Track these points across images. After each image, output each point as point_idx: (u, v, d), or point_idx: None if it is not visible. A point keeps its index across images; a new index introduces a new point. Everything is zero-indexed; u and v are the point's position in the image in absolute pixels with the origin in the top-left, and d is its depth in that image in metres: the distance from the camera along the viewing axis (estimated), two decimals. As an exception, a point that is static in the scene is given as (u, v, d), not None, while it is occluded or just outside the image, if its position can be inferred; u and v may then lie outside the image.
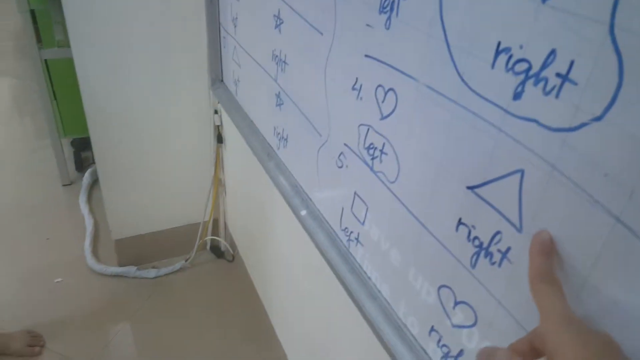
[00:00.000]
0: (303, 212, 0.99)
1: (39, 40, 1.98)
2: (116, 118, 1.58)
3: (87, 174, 2.29)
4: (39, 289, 1.79)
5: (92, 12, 1.39)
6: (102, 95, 1.53)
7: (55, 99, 2.14)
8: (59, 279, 1.84)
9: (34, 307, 1.72)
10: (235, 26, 1.25)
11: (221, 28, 1.38)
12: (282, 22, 0.95)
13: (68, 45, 1.95)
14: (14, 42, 3.77)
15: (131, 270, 1.86)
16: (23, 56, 3.51)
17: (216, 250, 1.99)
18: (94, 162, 2.35)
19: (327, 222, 0.92)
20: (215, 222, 1.95)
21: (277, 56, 1.02)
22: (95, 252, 1.95)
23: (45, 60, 2.02)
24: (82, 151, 2.39)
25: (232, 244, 1.93)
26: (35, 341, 1.59)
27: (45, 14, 1.98)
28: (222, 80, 1.50)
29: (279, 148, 1.12)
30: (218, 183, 1.82)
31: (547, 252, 0.43)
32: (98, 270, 1.86)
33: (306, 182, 1.00)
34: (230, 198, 1.84)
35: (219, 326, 1.71)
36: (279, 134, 1.10)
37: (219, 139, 1.70)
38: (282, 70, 1.01)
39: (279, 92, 1.05)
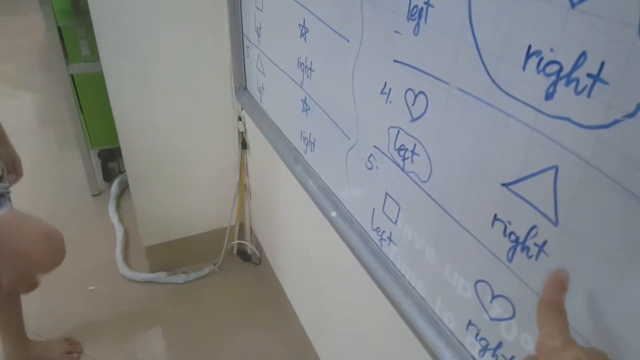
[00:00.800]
0: (333, 214, 1.02)
1: (65, 55, 2.04)
2: (145, 128, 1.63)
3: (114, 184, 2.35)
4: (74, 298, 1.84)
5: (120, 26, 1.44)
6: (131, 107, 1.58)
7: (82, 112, 2.21)
8: (93, 287, 1.90)
9: (70, 315, 1.78)
10: (259, 35, 1.28)
11: (244, 38, 1.42)
12: (308, 31, 0.98)
13: (94, 60, 2.03)
14: (38, 58, 3.87)
15: (162, 276, 1.90)
16: (48, 71, 3.60)
17: (243, 254, 2.03)
18: (120, 172, 2.42)
19: (358, 223, 0.95)
20: (241, 227, 1.99)
21: (302, 63, 1.05)
22: (126, 259, 2.00)
23: (72, 75, 2.08)
24: (109, 162, 2.46)
25: (259, 247, 1.97)
26: (73, 348, 1.64)
27: (71, 30, 2.04)
28: (245, 88, 1.53)
29: (306, 152, 1.15)
30: (243, 188, 1.86)
31: (561, 288, 0.45)
32: (130, 277, 1.91)
33: (335, 184, 1.03)
34: (255, 202, 1.88)
35: (249, 328, 1.75)
36: (305, 138, 1.13)
37: (243, 145, 1.73)
38: (308, 77, 1.04)
39: (305, 98, 1.08)
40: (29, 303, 1.27)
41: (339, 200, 1.02)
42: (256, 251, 1.98)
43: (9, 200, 1.36)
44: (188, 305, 1.84)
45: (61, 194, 2.38)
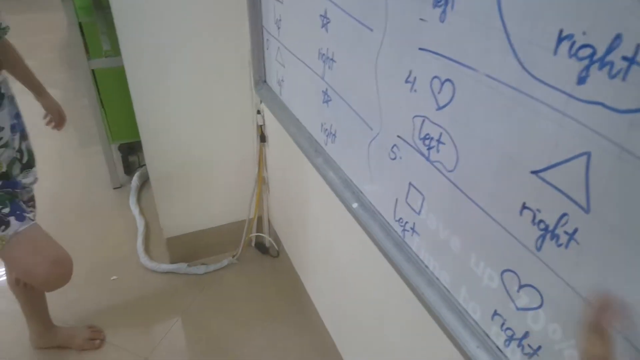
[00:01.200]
0: (355, 205, 1.02)
1: (86, 51, 2.06)
2: (165, 122, 1.65)
3: (135, 177, 2.38)
4: (97, 287, 1.88)
5: (141, 21, 1.45)
6: (151, 101, 1.59)
7: (103, 107, 2.23)
8: (115, 277, 1.93)
9: (94, 303, 1.81)
10: (278, 28, 1.28)
11: (264, 30, 1.42)
12: (329, 21, 0.98)
13: (115, 55, 2.05)
14: (59, 55, 3.93)
15: (182, 267, 1.92)
16: (68, 68, 3.65)
17: (261, 246, 2.04)
18: (140, 166, 2.45)
19: (380, 214, 0.94)
20: (260, 219, 2.00)
21: (323, 54, 1.05)
22: (147, 250, 2.02)
23: (93, 70, 2.10)
24: (130, 155, 2.48)
25: (277, 240, 1.98)
26: (95, 335, 1.69)
27: (92, 26, 2.07)
28: (265, 81, 1.54)
29: (327, 144, 1.15)
30: (262, 181, 1.87)
31: (610, 312, 0.41)
32: (151, 267, 1.94)
33: (357, 175, 1.03)
34: (273, 195, 1.88)
35: (267, 319, 1.76)
36: (326, 129, 1.13)
37: (262, 138, 1.74)
38: (329, 67, 1.04)
39: (326, 89, 1.07)
40: (55, 291, 1.30)
41: (361, 192, 1.02)
42: (274, 244, 1.99)
43: (34, 207, 1.39)
44: (207, 296, 1.85)
45: (83, 188, 2.42)
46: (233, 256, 1.97)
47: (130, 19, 1.44)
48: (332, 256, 1.43)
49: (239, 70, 1.62)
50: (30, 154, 1.35)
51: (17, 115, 1.30)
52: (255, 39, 1.46)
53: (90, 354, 1.65)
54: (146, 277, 1.92)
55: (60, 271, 1.26)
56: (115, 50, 2.02)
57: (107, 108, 2.25)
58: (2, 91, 1.20)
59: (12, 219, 1.16)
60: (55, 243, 1.26)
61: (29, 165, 1.34)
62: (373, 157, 0.93)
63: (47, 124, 1.53)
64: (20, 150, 1.30)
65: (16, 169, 1.27)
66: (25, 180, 1.31)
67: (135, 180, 2.37)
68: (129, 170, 2.47)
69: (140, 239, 2.05)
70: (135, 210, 2.22)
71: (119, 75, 1.88)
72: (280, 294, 1.85)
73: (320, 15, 1.01)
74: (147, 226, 2.14)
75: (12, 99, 1.27)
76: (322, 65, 1.07)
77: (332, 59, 1.02)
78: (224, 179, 1.85)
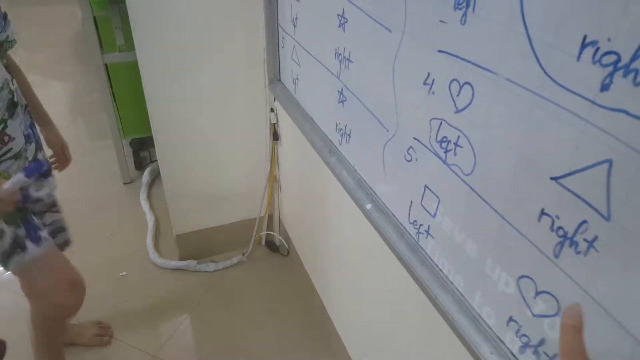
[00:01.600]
0: (368, 206, 1.01)
1: (100, 45, 2.07)
2: (177, 118, 1.65)
3: (146, 173, 2.39)
4: (106, 283, 1.88)
5: (156, 16, 1.45)
6: (164, 96, 1.60)
7: (115, 101, 2.24)
8: (124, 273, 1.94)
9: (102, 299, 1.81)
10: (295, 26, 1.28)
11: (280, 29, 1.42)
12: (347, 21, 0.97)
13: (128, 50, 2.06)
14: (70, 48, 3.95)
15: (191, 264, 1.93)
16: (79, 61, 3.67)
17: (271, 245, 2.04)
18: (151, 161, 2.46)
19: (394, 216, 0.94)
20: (270, 218, 2.00)
21: (340, 54, 1.04)
22: (156, 247, 2.03)
23: (105, 64, 2.11)
24: (140, 151, 2.50)
25: (287, 239, 1.98)
26: (104, 331, 1.69)
27: (106, 20, 2.08)
28: (279, 79, 1.54)
29: (341, 144, 1.15)
30: (273, 179, 1.87)
31: (577, 331, 0.40)
32: (160, 264, 1.95)
33: (371, 176, 1.03)
34: (285, 194, 1.88)
35: (276, 318, 1.76)
36: (341, 129, 1.13)
37: (275, 136, 1.74)
38: (345, 67, 1.03)
39: (342, 89, 1.07)
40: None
41: (375, 193, 1.01)
42: (284, 242, 1.99)
43: (58, 212, 1.37)
44: (216, 294, 1.86)
45: (94, 182, 2.43)
46: (243, 254, 1.98)
47: (146, 15, 1.45)
48: (344, 257, 1.42)
49: (253, 67, 1.62)
50: (46, 165, 1.30)
51: (32, 125, 1.25)
52: (270, 36, 1.46)
53: (98, 351, 1.65)
54: (155, 274, 1.93)
55: (77, 296, 1.28)
56: (129, 45, 2.02)
57: (119, 103, 2.26)
58: (16, 99, 1.14)
59: (28, 241, 1.15)
60: (70, 263, 1.26)
61: (44, 175, 1.29)
62: (388, 158, 0.92)
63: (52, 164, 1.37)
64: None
65: None
66: (39, 193, 1.25)
67: (145, 175, 2.38)
68: (139, 165, 2.48)
69: (150, 235, 2.06)
70: (145, 206, 2.23)
71: (132, 70, 1.90)
72: (290, 292, 1.86)
73: (338, 15, 1.01)
74: (157, 222, 2.15)
75: (25, 108, 1.21)
76: (339, 64, 1.07)
77: (348, 59, 1.01)
78: (235, 177, 1.85)
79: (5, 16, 1.13)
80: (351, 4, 0.94)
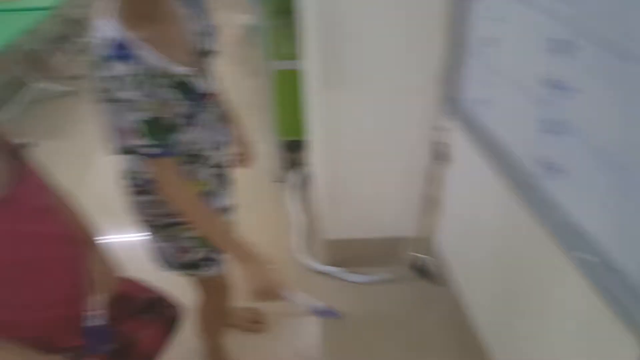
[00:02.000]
0: (581, 256, 0.90)
1: (269, 53, 2.15)
2: (333, 126, 1.64)
3: (295, 174, 2.45)
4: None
5: (328, 29, 1.43)
6: (322, 105, 1.58)
7: (275, 105, 2.31)
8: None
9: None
10: (488, 46, 1.20)
11: (466, 47, 1.34)
12: (565, 46, 0.87)
13: (292, 59, 2.11)
14: (232, 50, 4.17)
15: (339, 271, 1.92)
16: (237, 63, 3.86)
17: (421, 269, 1.94)
18: (300, 164, 2.51)
19: (628, 274, 0.82)
20: (425, 240, 1.92)
21: (553, 81, 0.94)
22: (302, 248, 2.07)
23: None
24: (290, 153, 2.56)
25: (443, 267, 1.86)
26: (258, 319, 1.77)
27: (276, 29, 2.15)
28: (458, 99, 1.46)
29: (547, 179, 1.04)
30: (434, 201, 1.78)
31: None
32: (307, 265, 1.97)
33: (593, 222, 0.91)
34: (448, 218, 1.78)
35: (414, 349, 1.68)
36: (547, 163, 1.03)
37: (442, 156, 1.66)
38: (561, 96, 0.93)
39: (552, 119, 0.97)
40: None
41: (598, 242, 0.89)
42: (439, 270, 1.89)
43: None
44: (356, 306, 1.83)
45: (246, 177, 2.53)
46: (391, 273, 1.91)
47: (319, 27, 1.44)
48: (525, 303, 1.25)
49: (422, 85, 1.55)
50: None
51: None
52: (454, 55, 1.39)
53: (252, 336, 1.73)
54: (299, 274, 1.96)
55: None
56: (294, 54, 2.07)
57: (278, 106, 2.32)
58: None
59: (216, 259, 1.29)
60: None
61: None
62: (626, 206, 0.81)
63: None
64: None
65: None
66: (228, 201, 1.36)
67: (295, 177, 2.44)
68: (289, 166, 2.55)
69: (297, 235, 2.10)
70: (292, 206, 2.29)
71: (292, 77, 2.00)
72: (437, 323, 1.76)
73: (549, 39, 0.91)
74: (303, 224, 2.19)
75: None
76: (550, 92, 0.97)
77: (565, 87, 0.91)
78: (391, 191, 1.81)
79: (213, 27, 1.11)
80: (570, 29, 0.83)
